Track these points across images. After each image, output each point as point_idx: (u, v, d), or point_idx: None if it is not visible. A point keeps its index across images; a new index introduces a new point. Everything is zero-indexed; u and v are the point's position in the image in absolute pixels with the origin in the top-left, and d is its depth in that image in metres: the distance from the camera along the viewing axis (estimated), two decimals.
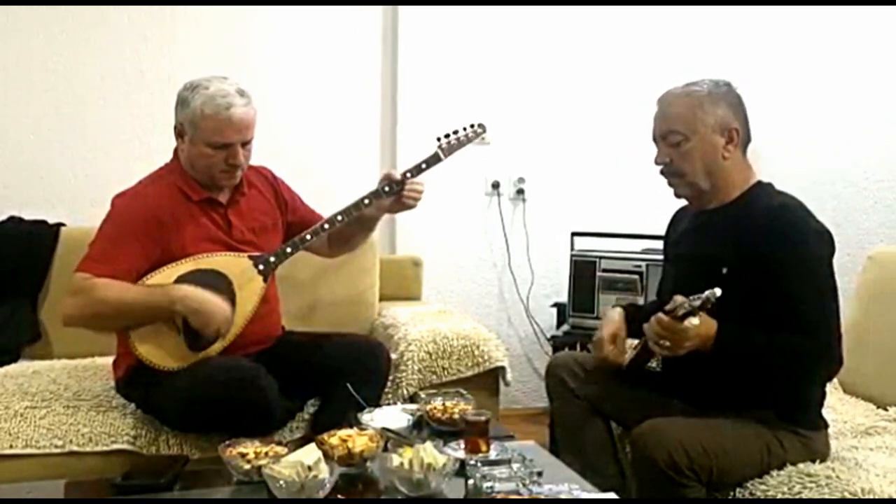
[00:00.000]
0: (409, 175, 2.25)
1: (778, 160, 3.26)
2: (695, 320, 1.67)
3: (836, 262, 1.81)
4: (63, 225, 2.83)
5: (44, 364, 2.48)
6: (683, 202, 2.02)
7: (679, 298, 1.70)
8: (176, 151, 2.18)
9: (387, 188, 2.23)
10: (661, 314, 1.72)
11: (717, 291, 1.63)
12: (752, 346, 1.75)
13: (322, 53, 3.29)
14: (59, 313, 2.10)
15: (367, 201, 2.23)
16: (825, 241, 1.79)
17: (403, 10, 3.34)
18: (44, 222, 2.83)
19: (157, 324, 2.02)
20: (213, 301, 2.01)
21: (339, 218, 2.22)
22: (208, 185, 2.15)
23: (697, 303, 1.65)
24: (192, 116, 2.05)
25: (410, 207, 2.30)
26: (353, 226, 2.31)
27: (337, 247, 2.45)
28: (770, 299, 1.75)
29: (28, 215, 2.84)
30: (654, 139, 1.91)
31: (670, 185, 1.92)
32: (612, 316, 2.04)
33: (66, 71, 3.01)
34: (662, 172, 1.91)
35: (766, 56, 3.52)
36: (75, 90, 3.02)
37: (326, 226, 2.22)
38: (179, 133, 2.12)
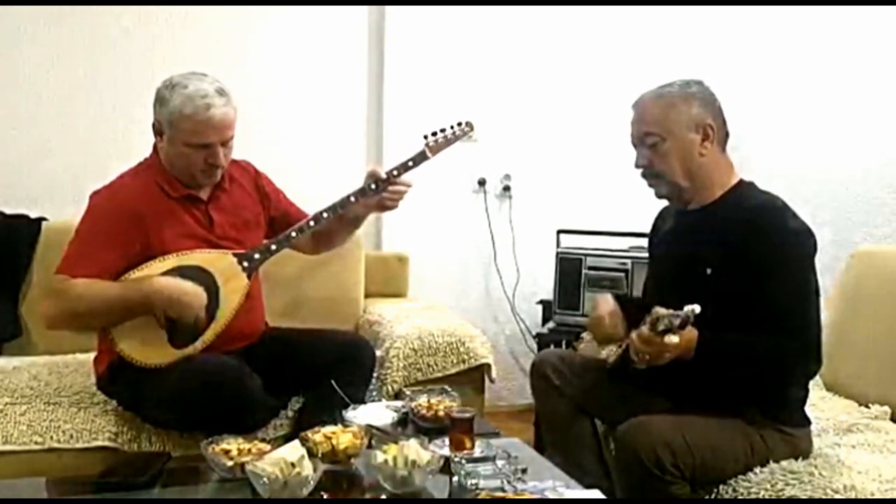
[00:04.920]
0: (395, 173, 2.23)
1: (761, 159, 3.28)
2: (674, 338, 1.67)
3: (819, 261, 1.81)
4: (45, 219, 2.80)
5: (24, 360, 2.45)
6: (665, 202, 2.03)
7: (660, 311, 1.69)
8: (155, 146, 2.15)
9: (373, 186, 2.22)
10: (642, 329, 1.72)
11: (697, 308, 1.63)
12: (732, 352, 1.76)
13: (308, 52, 3.27)
14: (39, 312, 2.07)
15: (353, 199, 2.22)
16: (806, 240, 1.80)
17: (390, 10, 3.33)
18: (25, 217, 2.80)
19: (139, 320, 2.01)
20: (188, 290, 1.99)
21: (325, 215, 2.21)
22: (187, 182, 2.13)
23: (677, 321, 1.64)
24: (171, 116, 2.02)
25: (391, 209, 2.28)
26: (338, 224, 2.30)
27: (320, 244, 2.44)
28: (751, 299, 1.75)
29: (9, 210, 2.81)
30: (633, 143, 1.93)
31: (651, 186, 1.94)
32: (604, 298, 2.04)
33: (48, 65, 2.98)
34: (643, 176, 1.93)
35: (751, 55, 3.53)
36: (58, 85, 2.99)
37: (312, 223, 2.21)
38: (158, 131, 2.09)
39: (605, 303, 2.00)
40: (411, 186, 2.26)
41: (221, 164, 2.09)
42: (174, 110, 2.01)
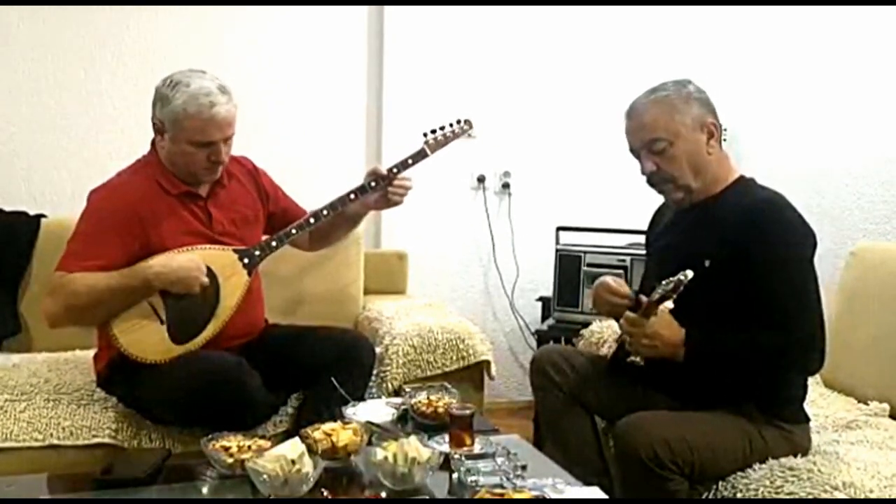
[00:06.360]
0: (395, 171, 2.24)
1: (761, 156, 3.29)
2: (669, 304, 1.69)
3: (819, 257, 1.81)
4: (44, 216, 2.79)
5: (24, 357, 2.45)
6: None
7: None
8: (154, 143, 2.15)
9: (373, 183, 2.22)
10: (627, 312, 1.75)
11: (689, 273, 1.65)
12: (722, 349, 1.77)
13: (308, 51, 3.27)
14: (39, 308, 2.07)
15: (352, 196, 2.22)
16: (806, 237, 1.80)
17: (389, 10, 3.32)
18: (24, 213, 2.79)
19: (140, 316, 2.01)
20: (183, 264, 1.99)
21: (325, 213, 2.21)
22: (188, 179, 2.13)
23: (670, 286, 1.67)
24: (174, 115, 2.02)
25: (396, 204, 2.28)
26: (336, 222, 2.30)
27: (317, 241, 2.44)
28: (751, 295, 1.76)
29: (8, 207, 2.80)
30: (633, 152, 1.90)
31: (661, 192, 1.92)
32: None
33: (47, 61, 2.98)
34: (651, 182, 1.90)
35: (750, 53, 3.53)
36: (57, 81, 2.99)
37: (312, 220, 2.21)
38: (159, 130, 2.08)
39: (607, 276, 2.02)
40: (411, 180, 2.25)
41: (224, 160, 2.10)
42: (177, 109, 2.01)
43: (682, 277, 1.65)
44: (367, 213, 2.36)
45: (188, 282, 2.00)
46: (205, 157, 2.06)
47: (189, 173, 2.11)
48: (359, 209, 2.29)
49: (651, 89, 1.88)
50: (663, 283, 1.68)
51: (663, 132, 1.83)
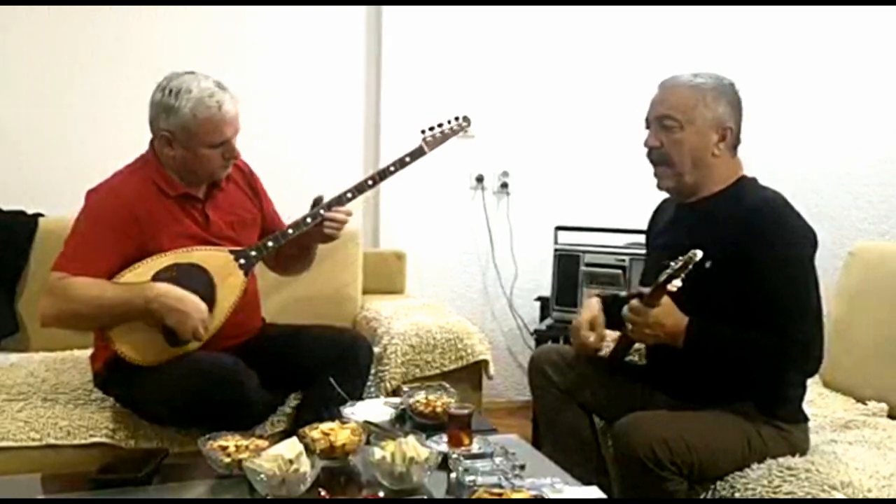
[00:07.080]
0: (349, 196, 2.17)
1: (762, 155, 3.28)
2: (677, 282, 1.70)
3: (818, 257, 1.81)
4: (41, 215, 2.79)
5: (21, 357, 2.45)
6: (666, 194, 2.03)
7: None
8: (152, 143, 2.13)
9: (322, 211, 2.16)
10: (632, 301, 1.76)
11: (699, 253, 1.66)
12: (722, 342, 1.77)
13: (306, 53, 3.27)
14: (36, 308, 2.06)
15: (350, 195, 2.20)
16: (807, 237, 1.80)
17: (387, 10, 3.33)
18: (22, 213, 2.79)
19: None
20: (189, 300, 1.97)
21: (322, 211, 2.19)
22: (204, 181, 2.12)
23: (679, 265, 1.68)
24: (185, 123, 2.01)
25: (333, 238, 2.21)
26: (294, 249, 2.25)
27: (282, 266, 2.38)
28: (751, 295, 1.76)
29: (6, 206, 2.80)
30: (647, 121, 1.91)
31: (656, 175, 1.92)
32: (589, 303, 2.05)
33: (44, 59, 2.98)
34: (650, 157, 1.91)
35: (751, 53, 3.53)
36: (54, 79, 2.99)
37: (309, 220, 2.18)
38: (168, 141, 2.05)
39: (588, 310, 2.01)
40: (351, 214, 2.22)
41: (238, 154, 2.11)
42: (187, 117, 2.00)
43: (692, 255, 1.66)
44: (360, 214, 2.30)
45: (184, 321, 1.95)
46: (220, 155, 2.07)
47: (207, 174, 2.11)
48: (311, 241, 2.23)
49: (694, 73, 1.89)
50: (672, 263, 1.69)
51: (680, 114, 1.84)
